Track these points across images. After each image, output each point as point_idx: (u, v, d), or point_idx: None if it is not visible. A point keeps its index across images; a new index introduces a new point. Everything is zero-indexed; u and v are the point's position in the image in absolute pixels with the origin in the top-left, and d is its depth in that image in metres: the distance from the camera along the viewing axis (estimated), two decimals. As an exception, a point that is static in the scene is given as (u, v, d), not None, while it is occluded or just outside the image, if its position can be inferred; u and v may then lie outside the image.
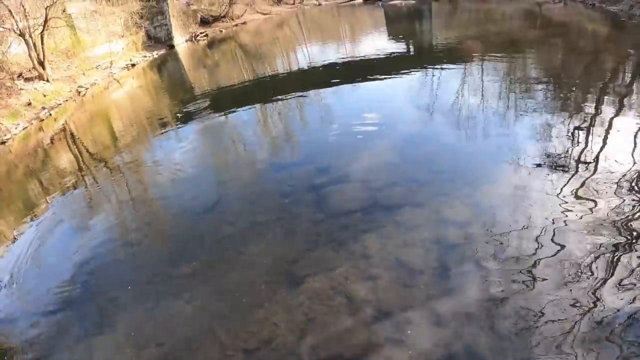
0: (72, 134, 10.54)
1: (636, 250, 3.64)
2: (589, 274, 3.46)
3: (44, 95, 13.08)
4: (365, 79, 9.21)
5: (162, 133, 8.94)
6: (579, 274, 3.48)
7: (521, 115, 6.24)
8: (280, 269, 4.06)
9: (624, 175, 4.55)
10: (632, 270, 3.45)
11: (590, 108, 5.96)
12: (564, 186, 4.54)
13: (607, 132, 5.35)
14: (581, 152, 5.07)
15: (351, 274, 3.86)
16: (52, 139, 10.47)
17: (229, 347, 3.40)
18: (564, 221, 4.06)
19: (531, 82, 7.32)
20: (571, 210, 4.19)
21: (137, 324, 3.79)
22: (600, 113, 5.79)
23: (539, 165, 4.92)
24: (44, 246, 5.45)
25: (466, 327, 3.19)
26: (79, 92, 13.92)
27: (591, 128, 5.49)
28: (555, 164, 4.90)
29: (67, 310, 4.19)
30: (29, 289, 4.67)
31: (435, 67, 9.07)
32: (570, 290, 3.32)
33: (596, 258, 3.61)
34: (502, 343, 3.03)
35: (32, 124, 11.72)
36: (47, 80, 13.58)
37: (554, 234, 3.93)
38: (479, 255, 3.81)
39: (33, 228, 5.99)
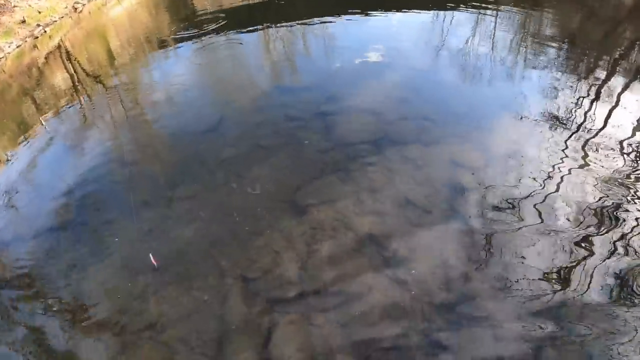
0: (67, 52, 10.11)
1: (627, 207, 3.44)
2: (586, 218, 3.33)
3: (39, 12, 12.49)
4: (376, 10, 8.69)
5: (161, 52, 8.54)
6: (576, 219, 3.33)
7: (531, 69, 5.81)
8: (283, 196, 3.85)
9: (625, 140, 4.22)
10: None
11: (601, 74, 5.51)
12: (566, 141, 4.23)
13: (616, 99, 4.95)
14: (586, 113, 4.71)
15: (357, 206, 3.65)
16: (46, 57, 10.05)
17: (228, 274, 3.25)
18: (563, 173, 3.83)
19: (545, 40, 6.80)
20: (571, 164, 3.94)
21: (133, 248, 3.62)
22: (611, 80, 5.36)
23: (541, 120, 4.59)
24: (38, 167, 5.25)
25: (471, 268, 3.02)
26: (75, 9, 13.28)
27: (600, 92, 5.09)
28: (562, 121, 4.55)
29: (61, 233, 4.03)
30: (23, 210, 4.51)
31: (448, 7, 8.51)
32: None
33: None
34: (499, 283, 2.93)
35: (26, 41, 11.24)
36: (42, -4, 12.94)
37: (554, 184, 3.72)
38: (488, 200, 3.61)
39: (27, 148, 5.76)
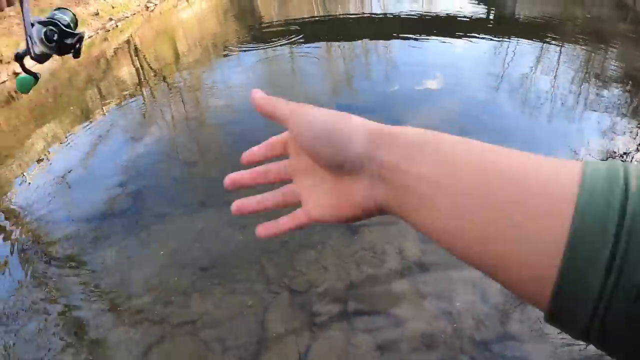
0: (135, 48, 10.45)
1: None
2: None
3: (112, 7, 13.00)
4: (437, 36, 8.67)
5: (226, 58, 8.72)
6: None
7: (591, 108, 5.67)
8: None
9: None
10: None
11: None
12: None
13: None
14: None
15: (409, 232, 3.60)
16: (115, 51, 10.41)
17: (274, 282, 3.24)
18: None
19: (608, 79, 6.64)
20: None
21: (183, 244, 3.66)
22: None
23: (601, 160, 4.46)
24: (96, 154, 5.40)
25: (511, 308, 2.92)
26: (147, 8, 13.77)
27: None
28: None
29: (112, 220, 4.12)
30: (77, 192, 4.63)
31: (513, 38, 8.39)
32: None
33: None
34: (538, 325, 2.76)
35: (97, 33, 11.69)
36: (117, -8, 13.48)
37: None
38: None
39: (87, 135, 5.94)
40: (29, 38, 0.77)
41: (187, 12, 13.98)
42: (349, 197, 0.48)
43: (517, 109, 5.75)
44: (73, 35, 0.82)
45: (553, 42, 8.04)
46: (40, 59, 0.81)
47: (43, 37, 0.78)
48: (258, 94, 0.56)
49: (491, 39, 8.31)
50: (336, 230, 3.65)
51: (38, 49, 0.77)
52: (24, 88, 0.81)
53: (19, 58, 0.82)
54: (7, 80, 9.27)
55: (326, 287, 3.17)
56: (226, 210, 3.77)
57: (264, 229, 0.61)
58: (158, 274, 3.42)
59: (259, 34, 10.17)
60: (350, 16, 11.68)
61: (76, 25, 0.87)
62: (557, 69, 7.02)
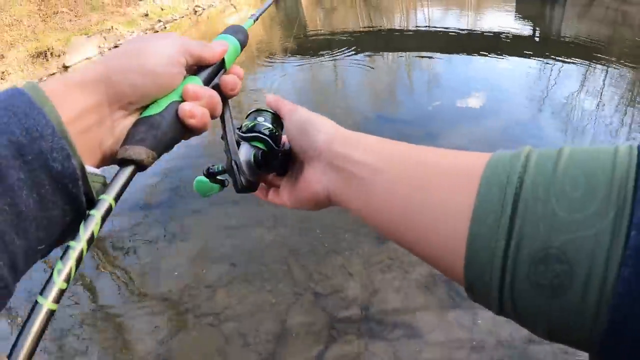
0: (182, 50, 10.72)
1: None
2: None
3: (162, 9, 13.39)
4: (481, 54, 8.59)
5: (270, 66, 8.85)
6: None
7: (636, 134, 5.52)
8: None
9: None
10: None
11: None
12: None
13: None
14: None
15: (438, 245, 3.59)
16: (162, 51, 10.71)
17: (300, 284, 3.29)
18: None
19: None
20: None
21: (214, 240, 3.76)
22: None
23: None
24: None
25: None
26: (195, 12, 14.14)
27: None
28: None
29: (147, 211, 4.25)
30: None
31: (558, 59, 8.23)
32: None
33: None
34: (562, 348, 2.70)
35: (146, 33, 12.00)
36: (167, -5, 13.86)
37: None
38: None
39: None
40: (234, 164, 0.63)
41: (234, 17, 14.25)
42: (308, 184, 0.56)
43: (559, 131, 5.66)
44: (279, 153, 0.64)
45: (599, 64, 7.88)
46: (248, 189, 0.66)
47: (253, 160, 0.62)
48: (271, 96, 0.69)
49: (536, 59, 8.20)
50: (365, 238, 3.68)
51: (246, 178, 0.63)
52: (203, 193, 0.70)
53: (210, 175, 0.71)
54: (56, 72, 9.65)
55: (349, 293, 3.19)
56: (258, 210, 3.86)
57: (260, 191, 0.73)
58: (187, 266, 3.52)
59: (303, 42, 10.30)
60: (396, 29, 11.72)
61: (281, 127, 0.67)
62: (602, 91, 6.87)
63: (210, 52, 0.58)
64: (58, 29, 10.61)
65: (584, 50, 8.68)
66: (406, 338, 2.92)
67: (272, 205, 3.44)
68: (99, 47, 10.78)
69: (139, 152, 0.45)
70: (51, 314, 0.34)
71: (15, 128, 0.33)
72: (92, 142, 0.44)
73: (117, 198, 0.42)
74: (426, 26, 11.74)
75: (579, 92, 6.90)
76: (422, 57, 8.74)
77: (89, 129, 0.43)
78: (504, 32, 10.22)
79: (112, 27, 11.37)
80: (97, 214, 0.39)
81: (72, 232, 0.38)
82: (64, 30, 10.62)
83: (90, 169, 0.39)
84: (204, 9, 14.45)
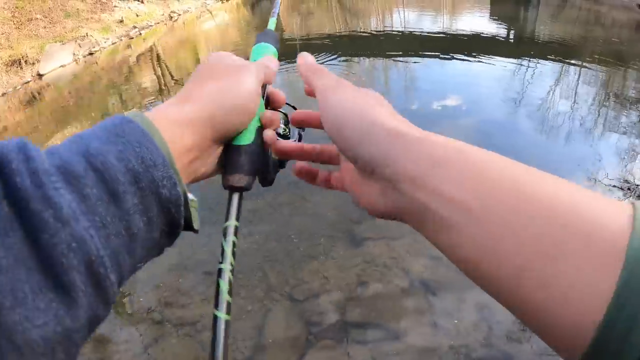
0: (158, 56, 10.65)
1: None
2: None
3: (137, 15, 13.28)
4: (457, 55, 8.69)
5: (245, 70, 8.80)
6: None
7: (610, 132, 5.60)
8: (343, 225, 3.86)
9: None
10: None
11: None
12: None
13: None
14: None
15: (413, 247, 3.60)
16: (138, 58, 10.63)
17: (276, 290, 3.27)
18: None
19: (627, 101, 6.56)
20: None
21: (189, 248, 3.72)
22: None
23: (616, 186, 4.40)
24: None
25: (516, 329, 2.89)
26: (171, 17, 14.05)
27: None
28: (634, 191, 4.35)
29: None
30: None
31: (532, 60, 8.37)
32: None
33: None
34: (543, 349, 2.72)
35: (121, 40, 11.95)
36: (142, 2, 13.76)
37: None
38: None
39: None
40: (270, 162, 0.60)
41: (210, 23, 14.22)
42: (362, 194, 0.45)
43: (534, 129, 5.74)
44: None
45: (572, 62, 8.04)
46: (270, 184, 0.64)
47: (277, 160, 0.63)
48: (304, 59, 0.58)
49: (511, 59, 8.31)
50: (340, 242, 3.68)
51: (272, 177, 0.62)
52: None
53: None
54: (30, 80, 9.51)
55: (326, 298, 3.19)
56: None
57: (301, 165, 0.61)
58: (163, 275, 3.48)
59: (280, 47, 10.28)
60: (372, 33, 11.78)
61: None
62: (576, 89, 6.99)
63: (272, 75, 0.60)
64: (32, 36, 10.46)
65: (558, 50, 8.83)
66: (385, 342, 2.92)
67: (245, 211, 3.41)
68: (74, 54, 10.66)
69: (245, 179, 0.50)
70: (228, 324, 0.43)
71: (130, 156, 0.36)
72: (190, 170, 0.47)
73: (238, 219, 0.50)
74: (402, 29, 11.83)
75: (554, 91, 7.00)
76: (399, 60, 8.81)
77: (191, 162, 0.46)
78: (479, 34, 10.35)
79: (86, 33, 11.24)
80: (231, 237, 0.47)
81: (161, 251, 0.43)
82: (38, 38, 10.48)
83: (189, 195, 0.42)
84: (179, 15, 14.37)
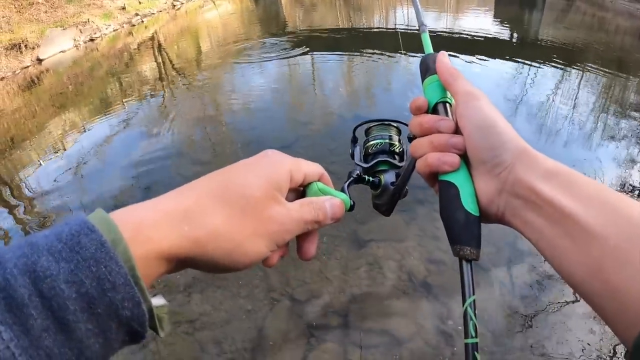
0: (159, 44, 10.56)
1: None
2: None
3: (139, 2, 13.19)
4: (459, 55, 8.64)
5: (247, 61, 8.75)
6: None
7: (609, 137, 5.57)
8: (346, 226, 3.80)
9: None
10: None
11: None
12: None
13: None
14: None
15: (417, 251, 3.56)
16: (139, 45, 10.54)
17: (277, 290, 3.22)
18: None
19: (628, 107, 6.53)
20: None
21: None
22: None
23: (619, 189, 4.37)
24: (111, 145, 5.46)
25: (521, 329, 2.87)
26: (174, 6, 13.96)
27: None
28: (631, 194, 4.33)
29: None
30: (89, 182, 4.69)
31: (534, 62, 8.33)
32: None
33: None
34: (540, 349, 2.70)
35: (123, 27, 11.87)
36: (146, -11, 13.64)
37: None
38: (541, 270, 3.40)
39: (105, 125, 6.02)
40: (398, 192, 0.67)
41: (213, 13, 14.11)
42: (486, 190, 0.51)
43: (533, 133, 5.70)
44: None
45: (574, 67, 8.00)
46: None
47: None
48: (444, 59, 0.59)
49: (513, 61, 8.28)
50: (343, 242, 3.63)
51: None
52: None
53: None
54: (30, 65, 9.41)
55: (327, 299, 3.14)
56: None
57: None
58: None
59: (282, 39, 10.22)
60: (374, 29, 11.72)
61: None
62: (576, 94, 6.96)
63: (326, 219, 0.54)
64: (33, 21, 10.37)
65: (561, 54, 8.79)
66: (386, 344, 2.88)
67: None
68: (74, 40, 10.56)
69: (475, 253, 0.54)
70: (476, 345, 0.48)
71: (84, 277, 0.32)
72: (166, 271, 0.42)
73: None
74: (405, 26, 11.77)
75: (555, 95, 6.97)
76: (400, 56, 8.75)
77: (165, 272, 0.41)
78: (482, 34, 10.31)
79: (88, 19, 11.15)
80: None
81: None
82: (39, 22, 10.39)
83: (156, 301, 0.38)
84: (182, 4, 14.27)
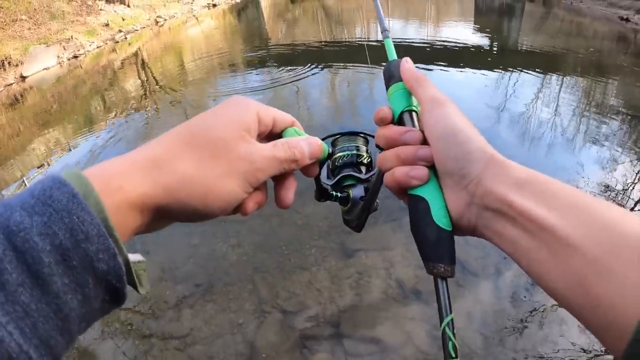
0: (143, 61, 10.56)
1: None
2: None
3: (122, 19, 13.19)
4: (440, 65, 8.75)
5: (231, 76, 8.78)
6: None
7: (591, 140, 5.67)
8: (334, 236, 3.82)
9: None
10: None
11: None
12: None
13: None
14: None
15: (406, 258, 3.58)
16: (122, 62, 10.52)
17: (267, 302, 3.21)
18: None
19: (608, 111, 6.65)
20: None
21: (177, 259, 3.65)
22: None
23: (599, 194, 4.45)
24: (97, 162, 5.41)
25: (509, 334, 2.90)
26: (157, 22, 13.98)
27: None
28: (618, 195, 4.41)
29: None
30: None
31: (515, 70, 8.46)
32: None
33: None
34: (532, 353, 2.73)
35: (106, 44, 11.85)
36: (128, 6, 13.69)
37: None
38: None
39: (89, 143, 5.99)
40: (367, 210, 0.65)
41: (196, 29, 14.14)
42: (456, 202, 0.49)
43: (516, 139, 5.77)
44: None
45: (554, 73, 8.12)
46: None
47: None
48: (408, 65, 0.58)
49: (493, 70, 8.38)
50: (332, 253, 3.64)
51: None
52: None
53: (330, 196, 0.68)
54: (13, 82, 9.34)
55: (318, 309, 3.14)
56: (222, 228, 3.78)
57: None
58: (151, 287, 3.39)
59: (265, 54, 10.26)
60: (356, 42, 11.81)
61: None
62: (557, 100, 7.06)
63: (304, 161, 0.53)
64: (16, 37, 10.32)
65: (540, 61, 8.93)
66: (379, 353, 2.88)
67: (234, 222, 3.38)
68: (58, 57, 10.52)
69: (450, 270, 0.54)
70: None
71: (57, 229, 0.31)
72: (142, 226, 0.43)
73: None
74: (375, 41, 11.88)
75: (536, 101, 7.07)
76: (382, 69, 8.79)
77: (140, 227, 0.42)
78: (463, 44, 10.44)
79: (71, 36, 11.12)
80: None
81: (108, 313, 0.37)
82: (22, 39, 10.34)
83: (133, 257, 0.38)
84: (165, 20, 14.29)
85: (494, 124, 6.23)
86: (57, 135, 6.64)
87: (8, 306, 0.29)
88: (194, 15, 15.38)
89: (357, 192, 0.64)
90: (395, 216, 4.01)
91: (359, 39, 12.27)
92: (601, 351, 2.84)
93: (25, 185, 5.08)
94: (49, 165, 5.52)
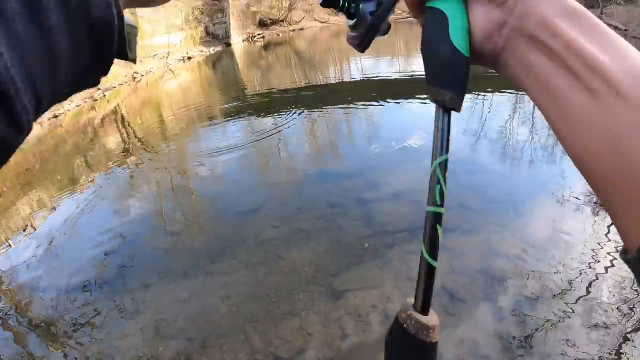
0: (122, 117, 10.68)
1: None
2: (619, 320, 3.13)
3: (100, 77, 13.33)
4: (415, 97, 8.97)
5: (210, 130, 8.90)
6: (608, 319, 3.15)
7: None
8: (321, 279, 3.87)
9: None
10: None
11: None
12: (610, 226, 4.19)
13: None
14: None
15: (394, 295, 3.64)
16: (102, 120, 10.62)
17: (260, 351, 3.24)
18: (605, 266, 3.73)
19: None
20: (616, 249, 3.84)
21: (167, 314, 3.67)
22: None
23: (585, 204, 4.59)
24: (82, 221, 5.45)
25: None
26: (134, 78, 14.17)
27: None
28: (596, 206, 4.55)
29: (97, 290, 4.12)
30: (63, 261, 4.65)
31: (488, 93, 8.73)
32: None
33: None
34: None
35: (85, 102, 11.96)
36: (105, 63, 13.85)
37: (599, 273, 3.61)
38: (527, 290, 3.52)
39: (73, 202, 6.01)
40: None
41: (173, 83, 14.34)
42: (485, 19, 0.41)
43: (496, 162, 5.93)
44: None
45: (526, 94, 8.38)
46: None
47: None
48: None
49: (468, 95, 8.58)
50: (320, 297, 3.69)
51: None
52: None
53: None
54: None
55: (312, 354, 3.17)
56: (210, 281, 3.82)
57: None
58: (143, 344, 3.41)
59: (243, 104, 10.44)
60: (331, 83, 12.07)
61: None
62: (533, 117, 7.28)
63: None
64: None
65: (512, 82, 9.20)
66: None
67: (221, 274, 3.41)
68: (36, 119, 10.57)
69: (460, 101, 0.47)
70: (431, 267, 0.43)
71: None
72: None
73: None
74: (360, 77, 12.16)
75: (512, 121, 7.28)
76: (359, 106, 9.03)
77: None
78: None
79: (47, 98, 11.20)
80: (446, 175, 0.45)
81: (93, 80, 0.36)
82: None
83: (127, 20, 0.36)
84: (142, 76, 14.49)
85: (474, 151, 6.38)
86: (41, 196, 6.65)
87: (2, 30, 0.28)
88: (170, 70, 15.65)
89: (368, 7, 0.53)
90: (380, 254, 4.09)
91: (334, 81, 12.54)
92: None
93: (11, 247, 5.08)
94: (33, 226, 5.53)
